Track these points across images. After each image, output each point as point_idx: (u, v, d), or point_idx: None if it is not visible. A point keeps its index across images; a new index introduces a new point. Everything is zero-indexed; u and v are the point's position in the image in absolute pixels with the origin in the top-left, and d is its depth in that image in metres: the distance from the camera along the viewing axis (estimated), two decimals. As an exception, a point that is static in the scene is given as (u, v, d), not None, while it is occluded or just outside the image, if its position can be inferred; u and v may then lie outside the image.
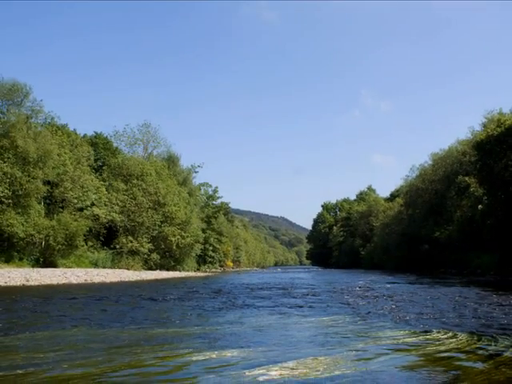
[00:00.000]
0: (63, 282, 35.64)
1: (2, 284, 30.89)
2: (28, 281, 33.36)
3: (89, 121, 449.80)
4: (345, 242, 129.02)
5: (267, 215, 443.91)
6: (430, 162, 78.90)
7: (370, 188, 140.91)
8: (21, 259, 47.09)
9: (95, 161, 64.49)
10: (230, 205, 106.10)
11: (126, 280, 42.41)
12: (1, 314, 15.42)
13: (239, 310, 17.00)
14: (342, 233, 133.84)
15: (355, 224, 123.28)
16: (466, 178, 62.91)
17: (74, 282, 36.66)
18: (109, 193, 60.95)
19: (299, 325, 13.29)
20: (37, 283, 33.06)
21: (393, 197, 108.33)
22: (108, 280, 40.42)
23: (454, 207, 64.26)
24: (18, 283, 32.14)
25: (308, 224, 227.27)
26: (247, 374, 7.39)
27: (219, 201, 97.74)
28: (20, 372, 7.52)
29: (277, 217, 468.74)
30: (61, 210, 53.16)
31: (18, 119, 49.56)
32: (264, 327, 12.68)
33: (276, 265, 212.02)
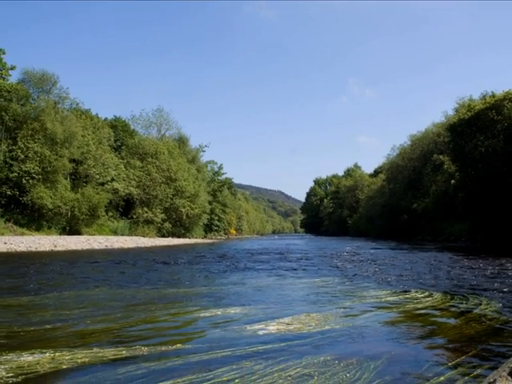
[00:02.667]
0: (86, 247, 35.72)
1: (33, 249, 30.92)
2: (56, 246, 33.39)
3: (109, 106, 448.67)
4: (334, 212, 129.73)
5: (266, 189, 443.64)
6: (409, 143, 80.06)
7: (356, 165, 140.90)
8: (49, 228, 47.16)
9: (115, 141, 64.30)
10: (232, 180, 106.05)
11: (142, 246, 42.54)
12: (32, 275, 15.42)
13: (241, 273, 17.03)
14: (331, 204, 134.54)
15: (343, 197, 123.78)
16: (441, 157, 63.34)
17: (96, 247, 36.75)
18: (126, 169, 60.89)
19: (294, 285, 13.29)
20: (63, 249, 33.12)
21: (376, 173, 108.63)
22: (126, 246, 40.54)
23: (430, 182, 64.62)
24: (47, 249, 32.18)
25: (302, 197, 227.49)
26: (248, 328, 7.42)
27: (224, 176, 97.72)
28: (48, 327, 7.59)
29: (274, 190, 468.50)
30: (84, 184, 53.16)
31: (47, 105, 49.72)
32: (263, 287, 12.69)
33: (273, 233, 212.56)
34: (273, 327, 7.46)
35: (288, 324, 7.71)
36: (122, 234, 55.77)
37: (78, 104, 60.12)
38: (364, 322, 7.93)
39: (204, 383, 4.91)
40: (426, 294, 11.04)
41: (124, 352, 6.10)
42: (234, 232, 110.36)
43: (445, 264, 19.32)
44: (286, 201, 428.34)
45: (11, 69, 53.62)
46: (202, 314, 8.74)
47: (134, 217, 61.11)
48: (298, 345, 6.47)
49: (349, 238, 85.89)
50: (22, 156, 45.19)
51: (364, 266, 19.48)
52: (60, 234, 46.75)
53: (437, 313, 8.87)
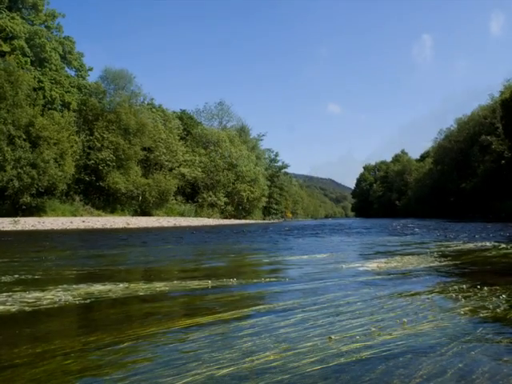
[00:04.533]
0: (156, 225, 35.52)
1: (108, 227, 30.98)
2: (128, 224, 33.37)
3: (178, 100, 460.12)
4: (383, 196, 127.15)
5: (317, 177, 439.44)
6: (455, 126, 77.22)
7: (403, 151, 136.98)
8: (122, 210, 47.58)
9: (182, 131, 64.49)
10: (286, 170, 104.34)
11: (208, 224, 42.12)
12: (119, 241, 14.91)
13: (311, 236, 16.21)
14: (380, 189, 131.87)
15: (392, 181, 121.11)
16: (488, 137, 60.00)
17: (166, 225, 36.50)
18: (193, 155, 60.80)
19: (364, 242, 12.42)
20: (135, 226, 33.06)
21: (423, 158, 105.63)
22: (193, 224, 40.17)
23: (478, 162, 61.79)
24: (121, 226, 32.19)
25: (351, 184, 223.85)
26: (344, 267, 6.98)
27: (279, 163, 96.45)
28: (145, 266, 7.86)
29: (325, 179, 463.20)
30: (155, 170, 53.43)
31: (123, 99, 50.62)
32: (336, 242, 11.68)
33: (326, 216, 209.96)
34: (371, 265, 7.04)
35: (386, 263, 7.27)
36: (189, 216, 55.65)
37: (152, 99, 61.36)
38: (438, 264, 7.29)
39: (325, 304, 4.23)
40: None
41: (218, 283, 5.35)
42: (290, 215, 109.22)
43: (497, 228, 17.94)
44: (336, 188, 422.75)
45: (89, 70, 54.87)
46: (287, 258, 8.42)
47: (200, 200, 61.07)
48: (403, 277, 5.87)
49: (399, 218, 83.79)
50: (99, 145, 45.72)
51: (424, 231, 18.21)
52: (132, 216, 46.97)
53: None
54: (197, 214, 58.29)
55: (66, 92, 46.11)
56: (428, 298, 4.31)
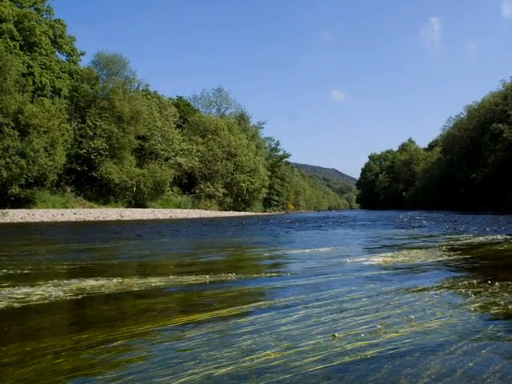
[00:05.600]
0: (152, 217, 35.61)
1: (101, 219, 31.05)
2: (122, 217, 33.46)
3: (173, 86, 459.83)
4: (389, 187, 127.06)
5: (320, 167, 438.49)
6: (465, 113, 76.89)
7: (410, 140, 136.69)
8: (116, 202, 47.66)
9: (178, 119, 64.39)
10: (290, 155, 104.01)
11: (205, 217, 42.17)
12: (111, 234, 14.93)
13: (314, 229, 16.31)
14: (386, 179, 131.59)
15: (398, 171, 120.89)
16: (500, 125, 59.69)
17: (161, 217, 36.57)
18: (190, 145, 60.71)
19: (369, 235, 12.47)
20: (129, 218, 33.14)
21: (431, 147, 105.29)
22: (190, 216, 40.22)
23: (488, 152, 61.49)
24: (114, 218, 32.26)
25: (356, 174, 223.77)
26: (348, 261, 6.98)
27: (280, 152, 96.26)
28: (140, 260, 7.96)
29: (329, 169, 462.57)
30: (150, 160, 53.38)
31: (116, 85, 50.38)
32: (341, 235, 11.69)
33: (329, 209, 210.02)
34: (377, 259, 7.04)
35: (393, 257, 7.29)
36: (185, 208, 55.68)
37: (147, 86, 61.10)
38: (447, 258, 7.32)
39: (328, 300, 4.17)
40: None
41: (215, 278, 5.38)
42: (292, 207, 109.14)
43: (509, 221, 18.00)
44: (340, 178, 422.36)
45: (81, 54, 54.64)
46: (293, 251, 8.46)
47: (197, 192, 61.14)
48: (411, 272, 5.87)
49: (406, 210, 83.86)
50: (91, 133, 45.72)
51: (431, 224, 18.24)
52: (126, 208, 46.99)
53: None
54: (194, 206, 58.36)
55: (56, 78, 45.96)
56: (436, 294, 4.31)
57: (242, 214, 58.40)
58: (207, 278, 5.36)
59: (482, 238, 10.60)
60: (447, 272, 5.76)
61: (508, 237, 10.61)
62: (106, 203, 46.12)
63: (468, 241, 10.18)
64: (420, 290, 4.51)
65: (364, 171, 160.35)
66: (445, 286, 4.73)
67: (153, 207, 50.23)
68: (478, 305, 3.85)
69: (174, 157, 56.89)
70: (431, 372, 2.39)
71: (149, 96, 57.44)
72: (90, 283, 5.05)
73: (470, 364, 2.51)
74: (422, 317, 3.50)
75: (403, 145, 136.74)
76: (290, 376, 2.36)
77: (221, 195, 63.56)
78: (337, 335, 3.03)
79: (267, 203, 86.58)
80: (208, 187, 61.75)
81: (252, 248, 9.75)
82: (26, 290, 4.66)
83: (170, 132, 56.33)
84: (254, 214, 62.09)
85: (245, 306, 3.92)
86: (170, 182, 53.76)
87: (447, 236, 11.74)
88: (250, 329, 3.23)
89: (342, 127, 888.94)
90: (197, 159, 60.17)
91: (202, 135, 63.89)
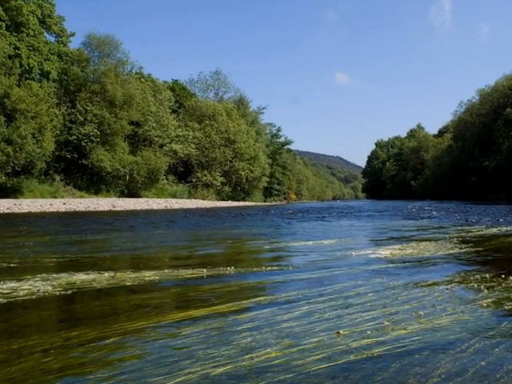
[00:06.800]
0: (145, 208, 35.58)
1: (92, 209, 30.98)
2: (114, 207, 33.45)
3: (169, 69, 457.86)
4: (397, 175, 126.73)
5: (324, 155, 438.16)
6: (477, 98, 76.83)
7: (419, 126, 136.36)
8: (108, 191, 47.66)
9: (174, 103, 64.20)
10: (292, 142, 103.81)
11: (202, 207, 42.16)
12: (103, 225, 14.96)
13: (317, 220, 16.24)
14: (394, 167, 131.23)
15: (407, 159, 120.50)
16: (514, 110, 59.66)
17: (156, 208, 36.56)
18: (186, 131, 60.56)
19: (376, 226, 12.42)
20: (122, 209, 33.09)
21: (441, 133, 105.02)
22: (186, 207, 40.21)
23: (502, 138, 61.37)
24: (106, 208, 32.24)
25: (362, 162, 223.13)
26: (354, 254, 7.00)
27: (282, 139, 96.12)
28: (133, 253, 7.92)
29: (333, 156, 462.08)
30: (143, 147, 53.29)
31: (108, 68, 50.14)
32: (346, 227, 11.70)
33: (334, 198, 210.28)
34: (384, 252, 7.05)
35: (401, 250, 7.28)
36: (181, 197, 55.67)
37: (141, 68, 60.99)
38: (457, 251, 7.34)
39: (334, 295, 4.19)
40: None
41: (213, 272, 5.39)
42: (294, 197, 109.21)
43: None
44: (345, 166, 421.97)
45: (71, 35, 54.37)
46: (295, 244, 8.46)
47: (193, 180, 61.07)
48: (420, 265, 5.90)
49: (415, 200, 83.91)
50: (81, 119, 45.57)
51: (443, 214, 18.27)
52: (118, 197, 46.98)
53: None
54: (190, 196, 58.34)
55: (45, 60, 45.73)
56: (447, 289, 4.31)
57: (241, 204, 58.43)
58: (204, 271, 5.36)
59: (495, 230, 10.61)
60: (458, 265, 5.77)
61: (523, 228, 10.63)
62: (97, 193, 46.12)
63: (480, 232, 10.19)
64: (429, 285, 4.52)
65: (370, 159, 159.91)
66: (456, 280, 4.74)
67: (147, 197, 50.23)
68: (490, 300, 3.85)
69: (169, 143, 56.74)
70: (441, 371, 2.39)
71: (142, 79, 57.10)
72: (80, 277, 5.06)
73: (483, 363, 2.51)
74: (432, 313, 3.50)
75: (412, 131, 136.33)
76: (292, 375, 2.36)
77: (219, 184, 63.47)
78: (341, 332, 3.03)
79: (268, 193, 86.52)
80: (205, 176, 61.65)
81: (252, 240, 9.77)
82: (13, 284, 4.66)
83: (164, 117, 56.14)
84: (253, 204, 62.14)
85: (244, 302, 3.92)
86: (164, 170, 53.69)
87: (458, 227, 11.78)
88: (250, 326, 3.23)
89: (346, 112, 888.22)
90: (193, 146, 60.02)
91: (199, 121, 63.67)
